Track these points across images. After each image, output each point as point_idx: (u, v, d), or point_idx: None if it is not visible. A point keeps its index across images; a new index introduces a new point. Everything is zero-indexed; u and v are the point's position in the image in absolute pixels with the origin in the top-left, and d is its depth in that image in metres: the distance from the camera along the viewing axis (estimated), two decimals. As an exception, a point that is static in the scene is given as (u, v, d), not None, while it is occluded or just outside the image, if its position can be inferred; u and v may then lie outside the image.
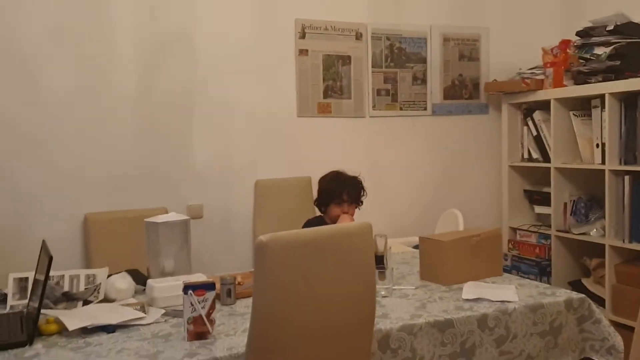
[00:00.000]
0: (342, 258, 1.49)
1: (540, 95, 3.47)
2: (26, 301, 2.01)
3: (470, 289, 2.12)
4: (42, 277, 1.83)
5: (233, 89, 3.24)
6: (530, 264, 3.52)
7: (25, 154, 2.85)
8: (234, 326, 1.76)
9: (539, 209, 3.64)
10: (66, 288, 2.08)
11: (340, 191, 2.71)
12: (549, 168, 3.42)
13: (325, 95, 3.47)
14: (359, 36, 3.53)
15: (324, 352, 1.48)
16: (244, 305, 1.97)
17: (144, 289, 2.11)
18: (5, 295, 2.10)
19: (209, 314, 1.66)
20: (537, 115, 3.56)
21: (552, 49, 3.42)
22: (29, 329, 1.71)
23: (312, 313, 1.45)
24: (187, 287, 1.65)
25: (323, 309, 1.46)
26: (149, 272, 2.19)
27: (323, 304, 1.46)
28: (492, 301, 1.98)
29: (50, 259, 1.76)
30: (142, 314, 1.84)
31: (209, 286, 1.67)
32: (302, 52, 3.41)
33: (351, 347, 1.53)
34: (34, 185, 2.86)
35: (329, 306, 1.47)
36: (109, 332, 1.73)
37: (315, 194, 2.82)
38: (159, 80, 3.09)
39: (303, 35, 3.41)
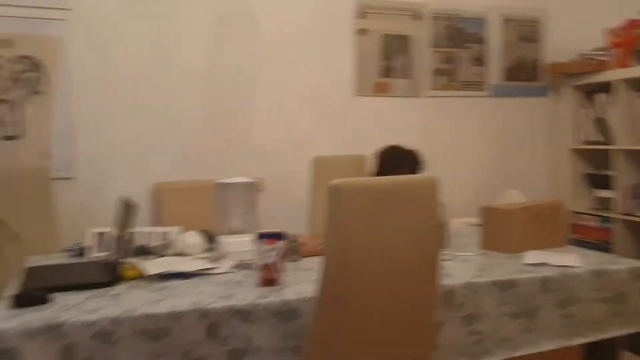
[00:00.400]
0: (408, 206, 1.54)
1: (604, 77, 3.41)
2: (104, 254, 2.14)
3: (532, 256, 2.12)
4: (121, 230, 1.95)
5: (293, 66, 3.33)
6: (591, 248, 3.45)
7: (105, 121, 3.02)
8: (301, 278, 1.83)
9: (600, 193, 3.57)
10: (141, 243, 2.20)
11: (399, 164, 2.75)
12: (611, 151, 3.36)
13: (383, 75, 3.51)
14: (418, 16, 3.55)
15: (392, 294, 1.54)
16: (309, 262, 2.04)
17: (214, 247, 2.21)
18: (84, 248, 2.24)
19: (279, 262, 1.74)
20: (600, 97, 3.49)
21: (617, 29, 3.36)
22: (111, 273, 1.82)
23: (380, 257, 1.50)
24: (260, 236, 1.73)
25: (390, 254, 1.52)
26: (218, 230, 2.29)
27: (390, 249, 1.52)
28: (555, 266, 1.99)
29: (133, 209, 1.87)
30: (214, 265, 1.93)
31: (280, 236, 1.74)
32: (361, 31, 3.46)
33: (417, 293, 1.58)
34: (112, 151, 3.03)
35: (395, 251, 1.52)
36: (184, 279, 1.83)
37: (371, 171, 2.87)
38: (223, 56, 3.20)
39: (362, 15, 3.45)
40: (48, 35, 2.95)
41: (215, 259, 2.04)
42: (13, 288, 1.71)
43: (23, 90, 2.94)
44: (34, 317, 1.44)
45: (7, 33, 2.89)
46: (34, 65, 2.95)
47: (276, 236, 1.75)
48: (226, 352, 1.53)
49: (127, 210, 1.92)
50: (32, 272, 1.88)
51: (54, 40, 2.96)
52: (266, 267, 1.73)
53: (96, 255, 2.18)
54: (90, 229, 2.28)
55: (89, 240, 2.25)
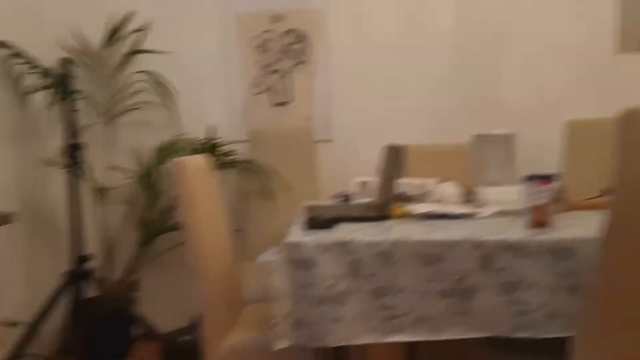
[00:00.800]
0: None
1: None
2: (367, 200, 2.31)
3: None
4: (389, 174, 2.09)
5: (547, 21, 3.18)
6: None
7: (358, 89, 3.25)
8: (572, 224, 1.77)
9: None
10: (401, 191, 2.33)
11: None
12: None
13: (653, 29, 3.15)
14: (699, -41, 3.10)
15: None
16: (577, 214, 1.95)
17: (470, 199, 2.24)
18: (350, 195, 2.45)
19: (550, 205, 1.70)
20: None
21: None
22: (381, 211, 1.97)
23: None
24: (530, 177, 1.71)
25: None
26: (474, 183, 2.32)
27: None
28: None
29: (401, 154, 1.99)
30: (478, 210, 1.96)
31: (552, 178, 1.70)
32: (628, -19, 3.15)
33: None
34: (364, 117, 3.26)
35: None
36: (450, 219, 1.89)
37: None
38: (472, 14, 3.20)
39: (629, -36, 3.14)
40: (312, 9, 3.26)
41: (475, 207, 2.07)
42: (300, 219, 1.95)
43: (291, 61, 3.30)
44: (326, 235, 1.64)
45: (279, 9, 3.26)
46: (299, 37, 3.29)
47: (548, 178, 1.71)
48: (499, 284, 1.56)
49: (395, 155, 2.05)
50: (314, 208, 2.12)
51: (317, 14, 3.26)
52: (537, 209, 1.70)
53: (360, 201, 2.37)
54: (353, 179, 2.49)
55: (353, 188, 2.45)
